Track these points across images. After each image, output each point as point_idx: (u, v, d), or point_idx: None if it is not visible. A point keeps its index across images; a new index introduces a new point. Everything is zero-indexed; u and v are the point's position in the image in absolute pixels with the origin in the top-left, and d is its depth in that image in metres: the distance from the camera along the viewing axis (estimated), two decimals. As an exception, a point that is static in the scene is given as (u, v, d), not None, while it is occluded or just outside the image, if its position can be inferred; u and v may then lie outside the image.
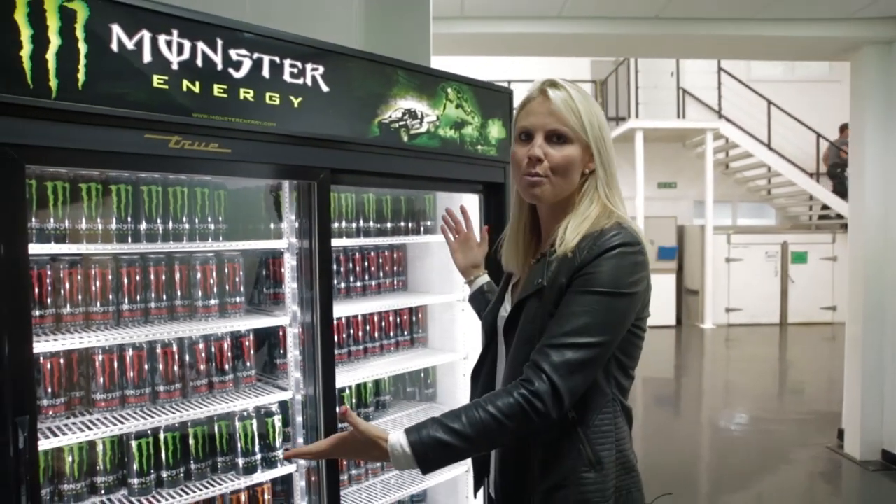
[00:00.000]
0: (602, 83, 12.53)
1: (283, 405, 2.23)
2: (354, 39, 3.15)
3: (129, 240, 1.99)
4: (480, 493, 2.66)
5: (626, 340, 1.32)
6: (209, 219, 2.13)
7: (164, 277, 2.09)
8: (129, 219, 1.99)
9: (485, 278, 1.95)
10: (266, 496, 2.22)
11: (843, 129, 10.60)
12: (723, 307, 11.06)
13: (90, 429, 1.82)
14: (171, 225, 2.05)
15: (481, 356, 1.59)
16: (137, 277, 2.04)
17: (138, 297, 2.05)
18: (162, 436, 2.02)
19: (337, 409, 1.53)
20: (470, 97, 2.45)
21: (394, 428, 2.58)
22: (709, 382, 7.92)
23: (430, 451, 1.21)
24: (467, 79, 2.46)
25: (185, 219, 2.08)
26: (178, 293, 2.12)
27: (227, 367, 2.16)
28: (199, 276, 2.12)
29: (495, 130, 2.57)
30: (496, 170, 2.59)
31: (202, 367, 2.11)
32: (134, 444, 1.96)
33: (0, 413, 1.44)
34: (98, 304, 1.98)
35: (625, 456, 1.36)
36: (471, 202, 2.71)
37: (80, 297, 1.95)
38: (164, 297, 2.09)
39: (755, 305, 11.05)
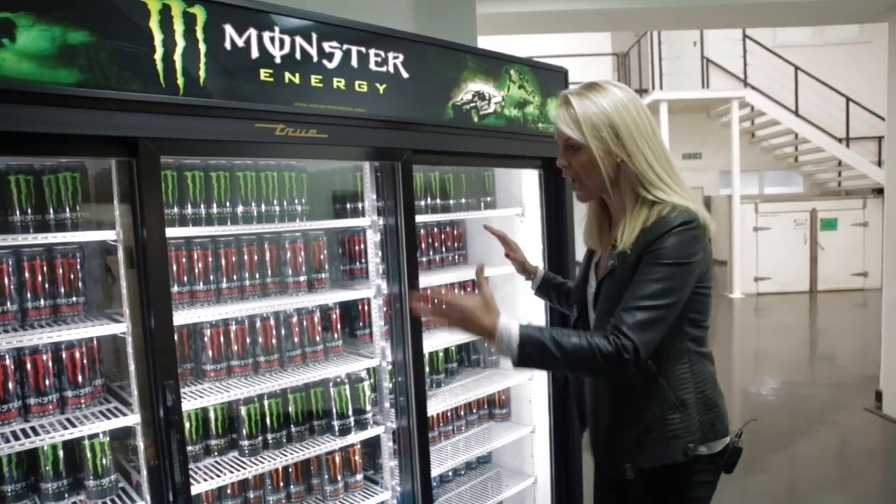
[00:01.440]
0: (624, 56, 12.49)
1: (369, 372, 2.40)
2: (406, 24, 3.27)
3: (228, 222, 2.15)
4: (546, 450, 2.82)
5: (694, 299, 1.52)
6: (296, 200, 2.29)
7: (256, 257, 2.25)
8: (228, 203, 2.15)
9: (541, 273, 2.19)
10: (357, 457, 2.41)
11: None
12: (751, 276, 11.10)
13: (204, 397, 2.00)
14: (263, 207, 2.21)
15: (573, 325, 1.82)
16: (233, 258, 2.21)
17: (235, 276, 2.22)
18: (266, 402, 2.20)
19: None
20: (530, 78, 2.57)
21: (463, 392, 2.76)
22: (739, 351, 8.01)
23: (529, 346, 1.44)
24: (528, 60, 2.58)
25: (275, 201, 2.24)
26: (269, 271, 2.28)
27: (317, 338, 2.33)
28: (288, 254, 2.28)
29: (553, 108, 2.69)
30: (555, 146, 2.70)
31: (296, 338, 2.29)
32: (243, 409, 2.15)
33: (150, 378, 1.62)
34: (201, 283, 2.15)
35: (705, 395, 1.58)
36: (530, 178, 2.84)
37: (185, 277, 2.12)
38: (258, 274, 2.26)
39: (784, 274, 11.07)
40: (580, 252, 2.04)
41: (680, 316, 1.49)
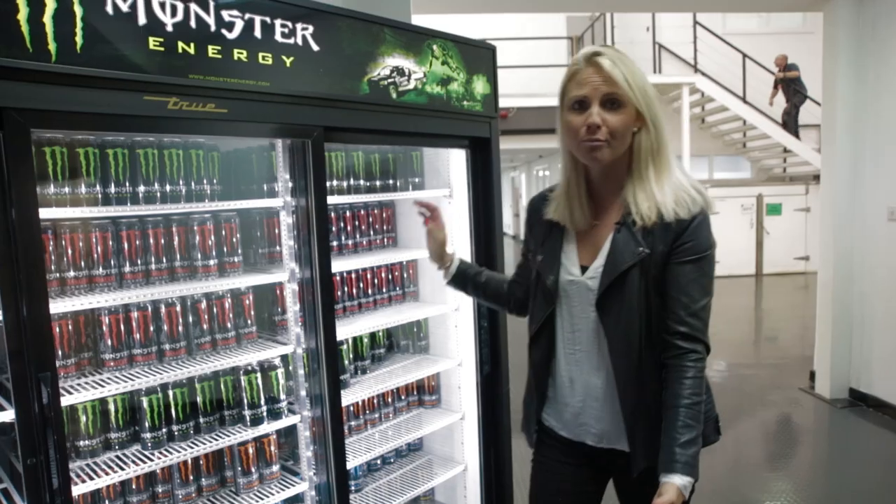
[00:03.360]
0: (578, 39, 12.49)
1: (284, 360, 2.31)
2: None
3: (128, 203, 2.02)
4: (475, 436, 2.77)
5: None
6: (204, 180, 2.17)
7: (163, 240, 2.13)
8: (127, 182, 2.02)
9: (457, 260, 2.07)
10: (272, 448, 2.32)
11: (786, 66, 10.80)
12: (700, 260, 11.28)
13: (102, 386, 1.88)
14: (167, 187, 2.09)
15: (542, 321, 1.67)
16: (137, 241, 2.08)
17: (139, 260, 2.09)
18: (171, 392, 2.09)
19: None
20: (455, 54, 2.49)
21: (389, 378, 2.69)
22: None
23: (694, 463, 1.43)
24: (452, 35, 2.49)
25: (181, 181, 2.12)
26: (178, 254, 2.16)
27: (228, 324, 2.22)
28: (197, 237, 2.16)
29: (480, 86, 2.61)
30: (482, 125, 2.64)
31: (205, 325, 2.18)
32: (145, 400, 2.03)
33: (23, 371, 1.50)
34: (101, 267, 2.02)
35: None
36: (458, 158, 2.77)
37: (82, 262, 1.99)
38: (164, 258, 2.14)
39: (732, 257, 11.29)
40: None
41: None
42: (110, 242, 2.04)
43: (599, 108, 1.47)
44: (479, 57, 2.59)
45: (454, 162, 2.79)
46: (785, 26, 12.11)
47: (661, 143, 1.51)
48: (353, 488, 2.71)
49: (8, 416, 1.66)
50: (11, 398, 1.65)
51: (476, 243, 2.68)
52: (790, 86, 11.06)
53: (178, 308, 2.12)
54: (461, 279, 2.05)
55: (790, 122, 11.14)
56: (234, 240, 2.24)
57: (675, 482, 1.40)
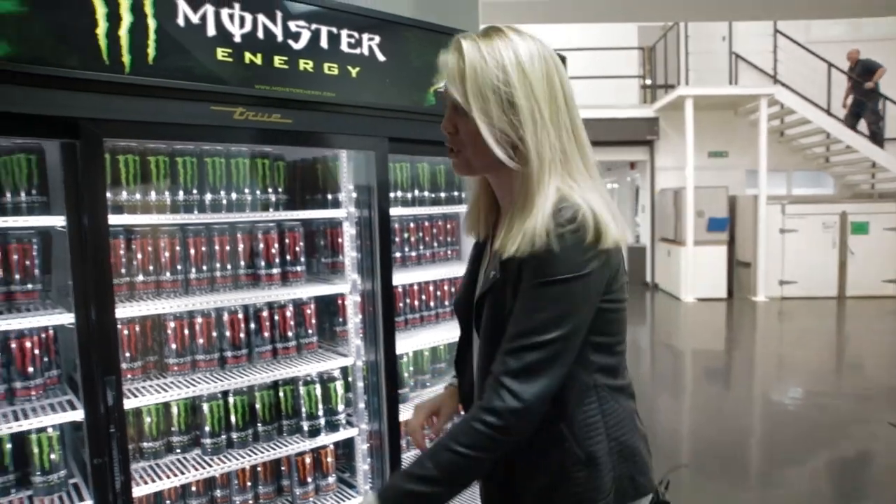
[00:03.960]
0: (650, 50, 12.19)
1: (344, 371, 2.30)
2: (404, 8, 3.14)
3: (196, 210, 2.06)
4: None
5: (600, 319, 1.15)
6: (270, 189, 2.19)
7: (228, 247, 2.16)
8: (195, 190, 2.06)
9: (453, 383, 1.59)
10: (329, 459, 2.30)
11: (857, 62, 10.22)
12: (776, 280, 10.76)
13: (166, 391, 1.91)
14: (234, 196, 2.12)
15: (463, 343, 1.39)
16: (203, 248, 2.12)
17: (204, 267, 2.12)
18: (231, 399, 2.10)
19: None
20: (523, 64, 2.43)
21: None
22: (761, 356, 7.75)
23: (395, 498, 1.11)
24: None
25: (246, 189, 2.14)
26: (242, 262, 2.19)
27: (289, 333, 2.23)
28: (261, 245, 2.18)
29: (442, 55, 2.55)
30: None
31: (266, 334, 2.19)
32: (206, 406, 2.06)
33: (91, 373, 1.53)
34: (168, 272, 2.06)
35: (621, 444, 1.20)
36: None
37: (151, 267, 2.04)
38: (229, 266, 2.16)
39: (811, 278, 10.70)
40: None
41: (582, 342, 1.13)
42: (178, 249, 2.08)
43: (451, 111, 1.19)
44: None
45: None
46: (878, 32, 11.43)
47: (541, 155, 1.12)
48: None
49: (79, 415, 1.70)
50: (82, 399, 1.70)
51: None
52: (861, 86, 10.48)
53: (241, 315, 2.14)
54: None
55: (868, 123, 10.53)
56: (298, 249, 2.25)
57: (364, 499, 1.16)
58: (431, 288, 2.78)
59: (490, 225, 1.33)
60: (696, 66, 10.92)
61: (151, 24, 1.55)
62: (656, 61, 11.98)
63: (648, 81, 12.31)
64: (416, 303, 2.71)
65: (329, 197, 2.35)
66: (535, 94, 1.12)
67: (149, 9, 1.54)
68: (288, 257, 2.23)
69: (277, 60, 1.76)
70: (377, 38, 1.96)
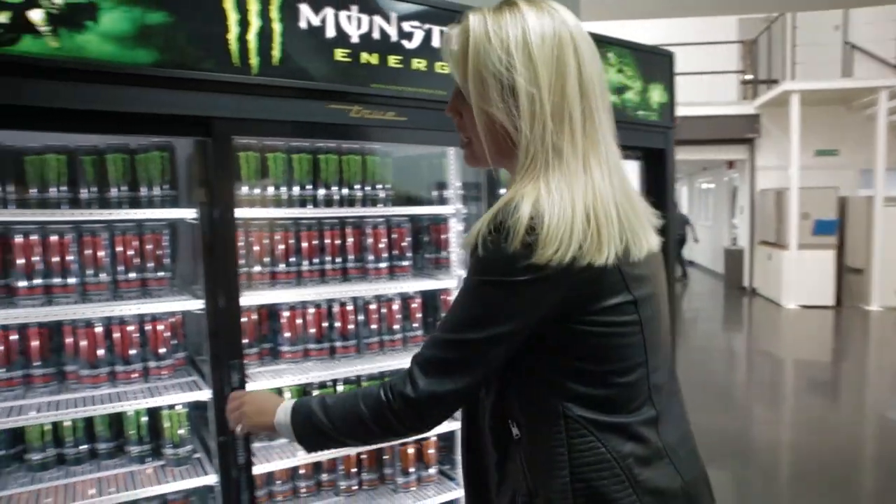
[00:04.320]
0: (752, 43, 11.62)
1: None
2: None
3: (309, 205, 2.15)
4: None
5: (582, 343, 0.98)
6: (379, 185, 2.26)
7: (338, 241, 2.24)
8: (308, 185, 2.15)
9: None
10: (431, 451, 2.35)
11: None
12: (892, 288, 10.01)
13: (280, 377, 2.02)
14: (345, 191, 2.20)
15: None
16: (315, 241, 2.21)
17: (316, 260, 2.22)
18: (340, 388, 2.19)
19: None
20: (631, 61, 2.39)
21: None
22: (874, 368, 7.24)
23: (302, 423, 1.10)
24: (628, 42, 2.40)
25: (356, 185, 2.22)
26: (351, 256, 2.27)
27: (396, 326, 2.29)
28: (370, 240, 2.25)
29: (657, 95, 2.49)
30: (657, 135, 2.52)
31: (374, 326, 2.26)
32: (316, 393, 2.15)
33: (219, 356, 1.64)
34: (282, 264, 2.17)
35: (591, 488, 0.98)
36: (629, 169, 2.65)
37: (268, 259, 2.15)
38: (339, 259, 2.25)
39: (934, 285, 9.89)
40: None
41: (549, 361, 1.00)
42: (291, 242, 2.18)
43: (455, 94, 1.08)
44: (655, 64, 2.48)
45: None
46: None
47: (520, 153, 0.99)
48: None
49: (204, 395, 1.83)
50: (206, 380, 1.82)
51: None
52: None
53: (350, 307, 2.22)
54: None
55: None
56: (405, 244, 2.31)
57: (283, 402, 1.15)
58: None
59: None
60: (803, 59, 10.31)
61: (277, 27, 1.64)
62: (759, 55, 11.41)
63: (749, 77, 11.74)
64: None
65: (434, 193, 2.39)
66: (538, 81, 0.96)
67: (275, 13, 1.63)
68: (395, 252, 2.29)
69: (392, 60, 1.82)
70: (486, 36, 1.98)
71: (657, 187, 2.54)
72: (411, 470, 2.32)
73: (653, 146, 2.51)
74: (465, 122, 1.06)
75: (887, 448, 4.79)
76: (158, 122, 1.56)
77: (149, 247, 1.99)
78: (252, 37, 1.60)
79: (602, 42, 2.30)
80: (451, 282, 2.23)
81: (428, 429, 1.05)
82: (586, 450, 0.99)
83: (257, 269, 2.14)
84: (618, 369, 1.00)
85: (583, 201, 0.95)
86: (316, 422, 1.09)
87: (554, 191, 0.95)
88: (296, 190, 2.13)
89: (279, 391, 2.16)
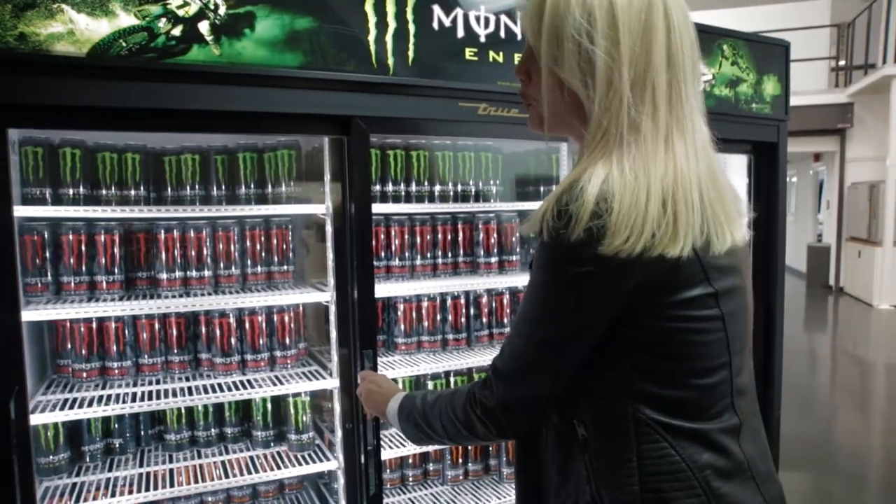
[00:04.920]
0: (848, 26, 11.02)
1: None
2: None
3: (426, 201, 2.20)
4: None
5: (652, 339, 0.89)
6: (491, 181, 2.29)
7: (450, 236, 2.29)
8: (426, 182, 2.20)
9: None
10: (535, 443, 2.38)
11: None
12: None
13: (393, 368, 2.08)
14: (459, 187, 2.24)
15: None
16: (428, 236, 2.26)
17: (429, 254, 2.27)
18: (452, 379, 2.24)
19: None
20: (745, 53, 2.33)
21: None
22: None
23: (406, 417, 1.12)
24: (743, 34, 2.34)
25: (471, 181, 2.25)
26: (462, 251, 2.31)
27: (505, 320, 2.32)
28: (481, 234, 2.29)
29: (770, 87, 2.42)
30: (769, 128, 2.45)
31: (484, 319, 2.30)
32: (430, 384, 2.20)
33: (351, 345, 1.71)
34: (396, 259, 2.23)
35: (662, 500, 0.90)
36: (735, 165, 2.59)
37: (383, 252, 2.21)
38: (450, 254, 2.29)
39: None
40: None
41: (619, 357, 0.91)
42: (406, 237, 2.23)
43: (527, 56, 1.00)
44: (770, 55, 2.40)
45: (733, 167, 2.61)
46: None
47: (591, 127, 0.90)
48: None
49: (328, 384, 1.90)
50: (333, 370, 1.90)
51: (755, 255, 2.49)
52: None
53: (462, 301, 2.26)
54: None
55: None
56: (514, 239, 2.33)
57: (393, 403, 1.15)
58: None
59: None
60: (903, 43, 9.71)
61: (412, 28, 1.68)
62: (854, 38, 10.81)
63: (842, 63, 11.15)
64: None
65: (542, 189, 2.40)
66: (619, 47, 0.87)
67: (409, 15, 1.68)
68: (505, 247, 2.32)
69: (517, 58, 1.83)
70: (607, 32, 1.97)
71: (769, 182, 2.47)
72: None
73: (764, 139, 2.44)
74: (533, 86, 0.97)
75: None
76: (301, 121, 1.63)
77: (274, 241, 2.08)
78: (389, 38, 1.65)
79: (717, 34, 2.25)
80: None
81: (514, 435, 1.03)
82: (659, 457, 0.90)
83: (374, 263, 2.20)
84: (696, 369, 0.90)
85: (660, 184, 0.85)
86: (415, 418, 1.09)
87: (627, 171, 0.85)
88: (413, 186, 2.18)
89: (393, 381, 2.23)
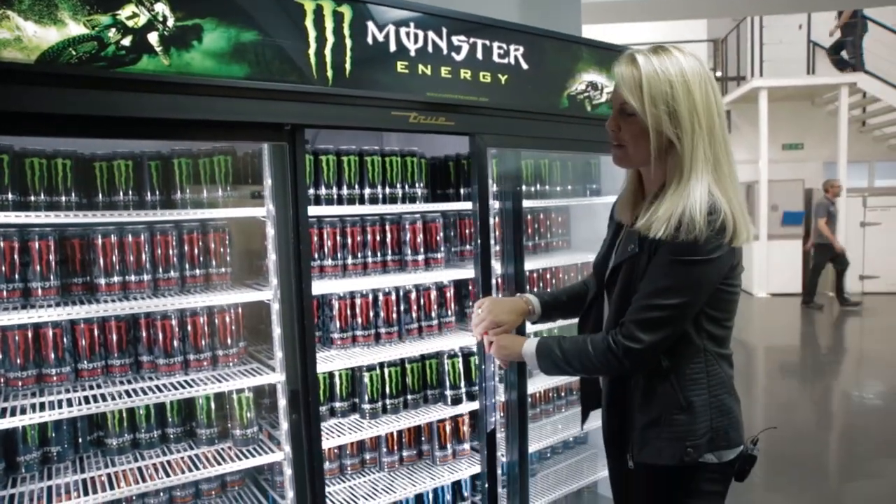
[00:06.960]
0: (721, 42, 12.05)
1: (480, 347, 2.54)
2: (511, 14, 3.36)
3: (357, 203, 2.33)
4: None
5: (717, 297, 1.43)
6: (417, 184, 2.44)
7: (378, 237, 2.42)
8: (356, 185, 2.32)
9: (534, 298, 1.85)
10: (465, 427, 2.56)
11: None
12: (856, 274, 10.52)
13: (331, 362, 2.19)
14: (387, 190, 2.38)
15: (590, 302, 1.68)
16: (359, 237, 2.39)
17: (359, 254, 2.39)
18: (386, 370, 2.37)
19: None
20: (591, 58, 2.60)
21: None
22: (839, 352, 7.66)
23: (545, 354, 1.55)
24: (596, 42, 2.60)
25: (398, 184, 2.40)
26: (390, 250, 2.45)
27: (433, 313, 2.48)
28: (408, 234, 2.44)
29: (616, 66, 2.72)
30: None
31: (414, 313, 2.45)
32: (366, 375, 2.33)
33: (292, 342, 1.82)
34: (329, 259, 2.34)
35: (719, 400, 1.47)
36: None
37: (315, 254, 2.31)
38: (379, 252, 2.43)
39: (895, 272, 10.43)
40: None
41: (699, 312, 1.43)
42: (338, 237, 2.35)
43: (618, 113, 1.46)
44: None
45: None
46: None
47: (694, 157, 1.37)
48: (527, 473, 2.90)
49: (275, 378, 2.00)
50: (276, 365, 1.99)
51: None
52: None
53: (393, 297, 2.41)
54: (549, 310, 1.86)
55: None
56: (439, 238, 2.50)
57: (527, 345, 1.60)
58: (548, 275, 3.00)
59: (634, 211, 1.55)
60: (769, 57, 10.74)
61: (348, 42, 1.82)
62: (728, 53, 11.83)
63: (718, 74, 12.17)
64: (541, 285, 2.95)
65: (462, 191, 2.59)
66: (696, 108, 1.37)
67: (346, 30, 1.81)
68: (430, 245, 2.48)
69: (443, 71, 2.01)
70: (521, 49, 2.19)
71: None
72: (448, 445, 2.52)
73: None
74: (623, 133, 1.46)
75: (850, 423, 5.13)
76: (246, 129, 1.73)
77: (212, 245, 2.14)
78: (328, 51, 1.78)
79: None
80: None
81: (645, 368, 1.46)
82: (715, 374, 1.48)
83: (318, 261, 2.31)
84: (729, 317, 1.49)
85: (733, 197, 1.39)
86: (554, 358, 1.54)
87: (716, 190, 1.37)
88: (345, 189, 2.30)
89: (330, 375, 2.35)
